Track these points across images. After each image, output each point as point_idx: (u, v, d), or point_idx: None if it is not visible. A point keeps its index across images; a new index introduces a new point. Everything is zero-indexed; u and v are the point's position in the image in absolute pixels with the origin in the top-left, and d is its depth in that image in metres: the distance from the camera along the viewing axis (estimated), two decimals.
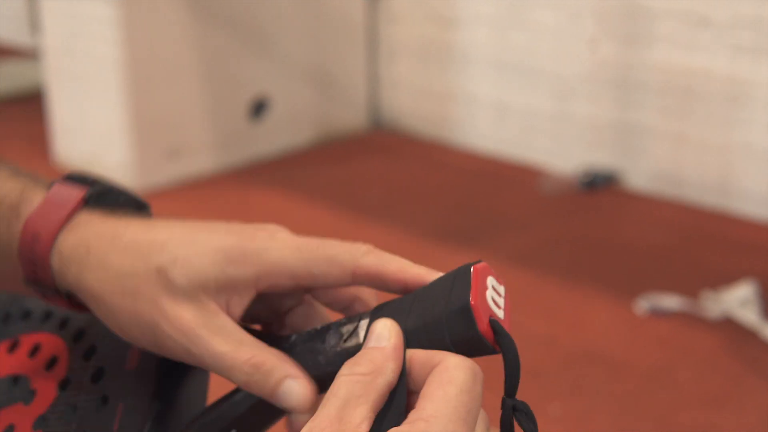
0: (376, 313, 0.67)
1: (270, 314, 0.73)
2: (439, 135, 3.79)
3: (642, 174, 3.30)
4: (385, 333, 0.63)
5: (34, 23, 3.96)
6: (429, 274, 0.68)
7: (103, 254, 0.68)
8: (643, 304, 2.51)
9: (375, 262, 0.69)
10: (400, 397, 0.61)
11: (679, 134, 3.19)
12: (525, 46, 3.49)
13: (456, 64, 3.70)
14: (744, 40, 3.01)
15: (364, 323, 0.67)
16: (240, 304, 0.68)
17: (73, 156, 3.44)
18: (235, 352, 0.66)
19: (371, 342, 0.63)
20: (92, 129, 3.37)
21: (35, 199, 0.71)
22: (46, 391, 0.73)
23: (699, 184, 3.17)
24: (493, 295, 0.65)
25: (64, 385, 0.73)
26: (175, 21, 3.30)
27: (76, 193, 0.71)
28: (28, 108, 3.97)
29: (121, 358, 0.73)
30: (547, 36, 3.43)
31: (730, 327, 2.44)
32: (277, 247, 0.68)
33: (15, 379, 0.75)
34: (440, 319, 0.63)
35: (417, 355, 0.62)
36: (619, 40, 3.26)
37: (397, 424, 0.59)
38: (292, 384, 0.66)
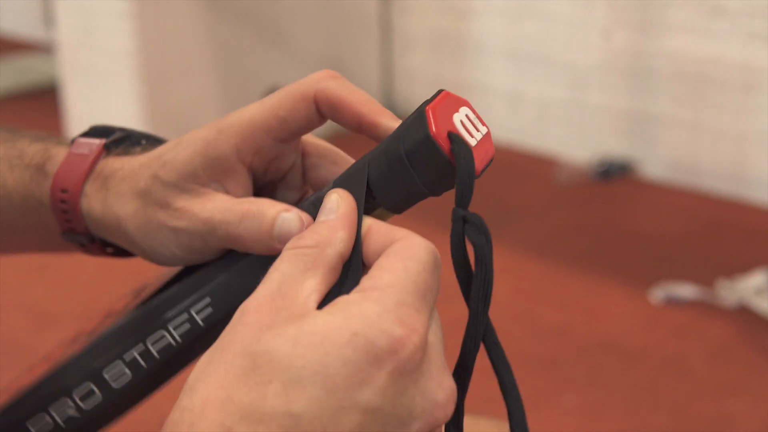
0: (336, 182, 0.63)
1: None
2: None
3: (657, 163, 3.29)
4: (333, 205, 0.59)
5: (48, 17, 3.97)
6: (387, 117, 0.65)
7: (117, 183, 0.69)
8: (658, 293, 2.51)
9: (336, 87, 0.65)
10: (356, 270, 0.57)
11: (694, 122, 3.18)
12: (538, 35, 3.48)
13: (470, 55, 3.70)
14: (758, 28, 3.00)
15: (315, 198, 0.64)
16: (239, 185, 0.67)
17: None
18: (226, 209, 0.64)
19: (321, 215, 0.59)
20: (107, 122, 3.36)
21: (59, 156, 0.72)
22: None
23: (714, 172, 3.16)
24: (464, 121, 0.60)
25: None
26: (189, 14, 3.30)
27: (97, 143, 0.73)
28: (43, 102, 3.98)
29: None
30: (561, 25, 3.42)
31: (745, 315, 2.43)
32: (244, 111, 0.66)
33: None
34: (396, 136, 0.61)
35: (378, 227, 0.59)
36: (633, 29, 3.25)
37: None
38: (287, 215, 0.61)
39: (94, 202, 0.69)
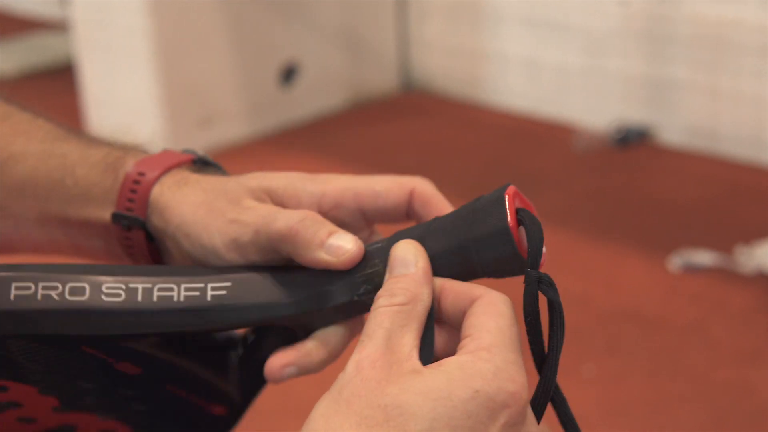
0: (394, 238, 0.67)
1: None
2: (471, 94, 3.78)
3: (675, 128, 3.28)
4: (410, 257, 0.64)
5: None
6: None
7: (198, 183, 0.73)
8: (677, 261, 2.51)
9: (430, 189, 0.73)
10: (431, 322, 0.62)
11: (712, 87, 3.17)
12: (555, 1, 3.47)
13: (486, 23, 3.69)
14: None
15: (380, 246, 0.67)
16: None
17: (106, 128, 3.45)
18: (289, 211, 0.69)
19: (396, 268, 0.64)
20: (124, 100, 3.38)
21: (140, 155, 0.77)
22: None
23: (733, 137, 3.15)
24: None
25: None
26: None
27: (186, 156, 0.77)
28: (60, 81, 3.99)
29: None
30: None
31: (764, 282, 2.43)
32: (342, 177, 0.73)
33: None
34: (471, 239, 0.64)
35: (451, 285, 0.64)
36: None
37: (430, 349, 0.61)
38: (344, 235, 0.68)
39: (167, 191, 0.73)
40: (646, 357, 2.20)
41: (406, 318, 0.61)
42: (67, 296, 0.65)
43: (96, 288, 0.66)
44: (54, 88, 3.96)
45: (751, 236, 2.58)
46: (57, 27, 4.65)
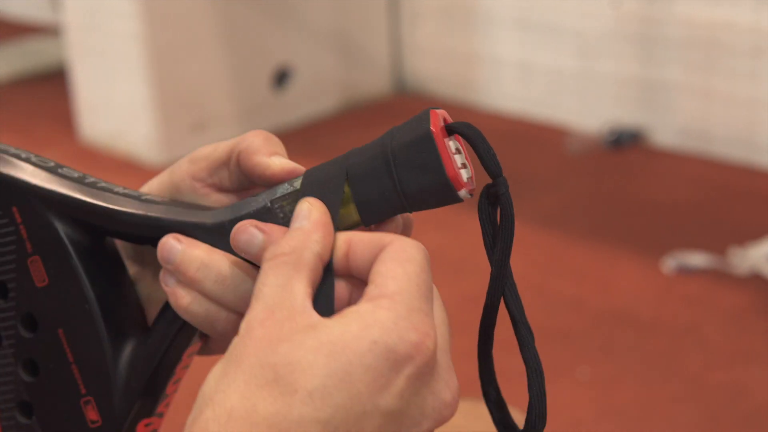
0: (305, 182, 0.65)
1: None
2: (464, 97, 3.79)
3: (668, 130, 3.29)
4: (305, 212, 0.61)
5: (55, 0, 3.97)
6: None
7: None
8: (671, 263, 2.51)
9: (256, 142, 0.71)
10: (329, 274, 0.59)
11: (705, 89, 3.17)
12: (547, 4, 3.48)
13: (478, 25, 3.69)
14: None
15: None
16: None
17: (98, 133, 3.45)
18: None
19: (295, 223, 0.61)
20: (116, 105, 3.38)
21: None
22: None
23: (726, 138, 3.16)
24: (457, 148, 0.63)
25: None
26: None
27: None
28: (53, 85, 3.99)
29: (23, 275, 0.70)
30: None
31: (758, 283, 2.43)
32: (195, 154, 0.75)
33: None
34: (391, 152, 0.61)
35: (360, 236, 0.60)
36: None
37: (330, 301, 0.58)
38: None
39: None
40: (640, 359, 2.21)
41: (293, 268, 0.57)
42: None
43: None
44: (47, 93, 3.96)
45: (744, 238, 2.59)
46: (50, 32, 4.65)
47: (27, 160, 0.69)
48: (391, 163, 0.61)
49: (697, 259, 2.51)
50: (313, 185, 0.64)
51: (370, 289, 0.56)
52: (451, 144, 0.62)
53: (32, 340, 0.68)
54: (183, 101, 3.35)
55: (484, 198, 0.63)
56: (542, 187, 3.07)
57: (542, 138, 3.45)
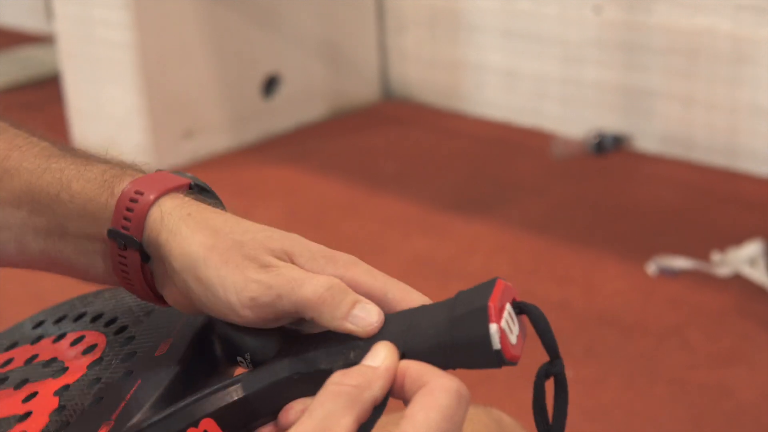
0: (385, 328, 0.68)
1: None
2: (450, 104, 3.82)
3: (651, 136, 3.32)
4: (381, 355, 0.65)
5: (50, 10, 4.00)
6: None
7: (203, 218, 0.73)
8: (654, 266, 2.55)
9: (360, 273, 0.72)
10: (377, 414, 0.63)
11: (687, 95, 3.21)
12: (531, 12, 3.51)
13: (464, 33, 3.72)
14: None
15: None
16: None
17: (90, 140, 3.47)
18: (313, 275, 0.69)
19: (368, 359, 0.65)
20: (108, 113, 3.40)
21: (138, 174, 0.77)
22: (77, 369, 0.78)
23: (707, 144, 3.19)
24: (507, 319, 0.65)
25: (94, 364, 0.78)
26: (186, 2, 3.33)
27: (183, 179, 0.77)
28: (47, 92, 4.01)
29: (153, 348, 0.77)
30: (553, 1, 3.45)
31: (740, 286, 2.46)
32: (361, 264, 0.73)
33: (50, 360, 0.80)
34: (451, 321, 0.65)
35: (412, 367, 0.64)
36: (623, 3, 3.28)
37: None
38: (367, 305, 0.68)
39: (168, 218, 0.73)
40: (624, 360, 2.23)
41: (350, 401, 0.61)
42: None
43: None
44: (40, 101, 3.98)
45: (726, 242, 2.62)
46: (46, 40, 4.68)
47: None
48: (447, 349, 0.65)
49: (681, 262, 2.55)
50: (393, 331, 0.68)
51: (398, 427, 0.60)
52: (506, 314, 0.65)
53: None
54: (174, 109, 3.37)
55: (541, 376, 0.67)
56: (527, 192, 3.10)
57: (527, 143, 3.48)
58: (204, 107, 3.46)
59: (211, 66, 3.43)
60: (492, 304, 0.63)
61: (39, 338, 0.85)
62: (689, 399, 2.09)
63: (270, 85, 3.63)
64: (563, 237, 2.78)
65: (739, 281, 2.48)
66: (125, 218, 0.74)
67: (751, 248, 2.54)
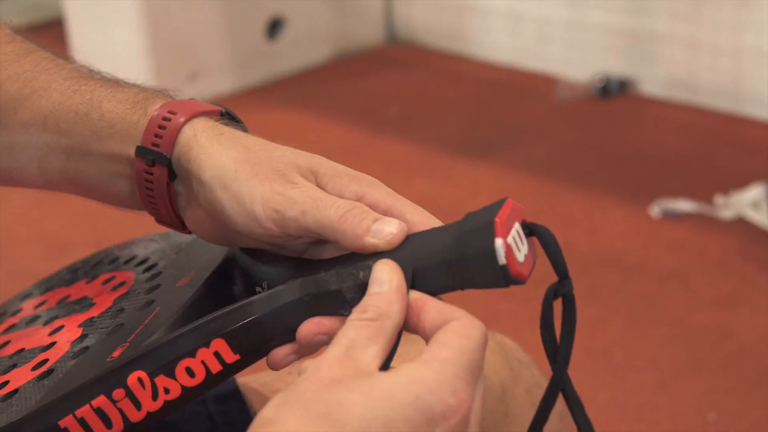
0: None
1: None
2: (455, 47, 3.81)
3: (656, 80, 3.32)
4: (385, 276, 0.66)
5: None
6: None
7: (234, 136, 0.75)
8: (657, 209, 2.55)
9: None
10: (397, 338, 0.64)
11: (691, 39, 3.20)
12: None
13: None
14: None
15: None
16: None
17: None
18: (336, 198, 0.71)
19: (372, 286, 0.66)
20: (111, 54, 3.39)
21: (169, 98, 0.79)
22: (103, 303, 0.80)
23: (712, 88, 3.19)
24: (515, 237, 0.66)
25: (120, 298, 0.80)
26: None
27: (215, 107, 0.79)
28: (52, 36, 4.00)
29: (177, 280, 0.78)
30: None
31: (742, 229, 2.47)
32: (383, 186, 0.74)
33: (82, 299, 0.83)
34: (456, 236, 0.66)
35: (433, 303, 0.65)
36: None
37: (388, 362, 0.63)
38: (387, 219, 0.69)
39: (201, 134, 0.75)
40: (626, 302, 2.24)
41: (374, 333, 0.63)
42: None
43: None
44: (46, 42, 3.97)
45: (729, 185, 2.62)
46: None
47: None
48: (453, 264, 0.66)
49: (684, 205, 2.55)
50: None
51: (426, 351, 0.62)
52: (514, 232, 0.66)
53: None
54: (177, 51, 3.37)
55: (550, 297, 0.69)
56: (531, 135, 3.10)
57: (531, 87, 3.47)
58: (208, 49, 3.45)
59: (216, 8, 3.43)
60: (498, 220, 0.64)
61: (72, 281, 0.87)
62: (690, 340, 2.10)
63: (274, 27, 3.61)
64: (567, 180, 2.78)
65: (742, 224, 2.48)
66: (156, 135, 0.75)
67: (755, 191, 2.54)
